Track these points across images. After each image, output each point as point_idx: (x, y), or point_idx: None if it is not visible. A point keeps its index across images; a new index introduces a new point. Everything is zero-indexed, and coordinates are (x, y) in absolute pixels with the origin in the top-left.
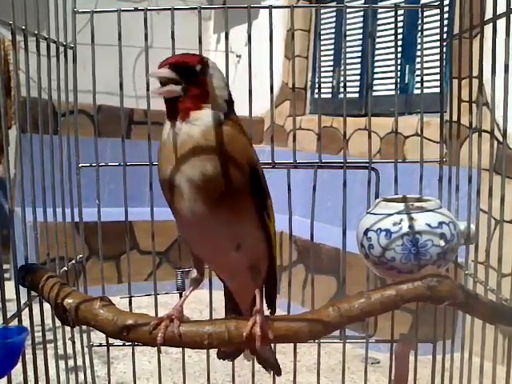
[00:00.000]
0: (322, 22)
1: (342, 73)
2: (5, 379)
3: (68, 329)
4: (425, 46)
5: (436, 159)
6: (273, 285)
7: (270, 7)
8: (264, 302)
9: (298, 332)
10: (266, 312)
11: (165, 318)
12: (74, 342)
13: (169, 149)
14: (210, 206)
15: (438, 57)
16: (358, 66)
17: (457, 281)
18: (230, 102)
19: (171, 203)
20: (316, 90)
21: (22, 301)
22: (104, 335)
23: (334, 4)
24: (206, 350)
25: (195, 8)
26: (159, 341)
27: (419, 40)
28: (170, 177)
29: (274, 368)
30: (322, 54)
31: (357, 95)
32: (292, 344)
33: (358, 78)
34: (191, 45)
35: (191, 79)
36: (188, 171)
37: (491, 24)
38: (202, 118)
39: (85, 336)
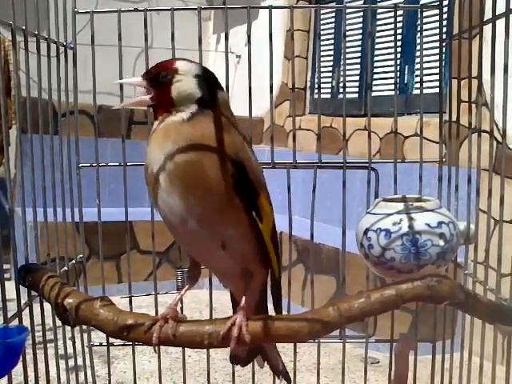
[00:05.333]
0: (322, 22)
1: (342, 73)
2: (5, 379)
3: (68, 328)
4: (424, 46)
5: (435, 159)
6: (276, 287)
7: (270, 7)
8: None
9: (298, 332)
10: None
11: (160, 318)
12: (74, 342)
13: (150, 144)
14: (185, 201)
15: (437, 57)
16: (358, 66)
17: (456, 281)
18: (210, 99)
19: (153, 199)
20: (316, 91)
21: (23, 301)
22: (104, 335)
23: (333, 4)
24: (205, 350)
25: (195, 8)
26: (154, 341)
27: (419, 40)
28: (150, 170)
29: (283, 375)
30: (322, 54)
31: (356, 95)
32: (292, 344)
33: (358, 78)
34: (191, 45)
35: (159, 87)
36: (164, 163)
37: (490, 24)
38: (174, 118)
39: (85, 336)
